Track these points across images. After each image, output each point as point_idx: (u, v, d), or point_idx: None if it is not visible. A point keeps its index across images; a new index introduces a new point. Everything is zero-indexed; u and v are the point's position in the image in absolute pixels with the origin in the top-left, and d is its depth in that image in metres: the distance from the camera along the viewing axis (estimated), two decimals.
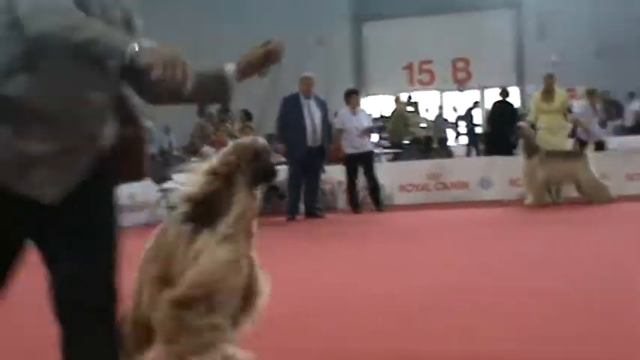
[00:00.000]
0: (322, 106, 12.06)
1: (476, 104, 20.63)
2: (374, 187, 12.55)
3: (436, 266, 6.84)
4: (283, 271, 6.98)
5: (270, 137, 15.34)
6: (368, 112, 13.79)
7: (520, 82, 24.04)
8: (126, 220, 11.84)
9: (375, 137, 14.17)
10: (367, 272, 6.73)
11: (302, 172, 11.82)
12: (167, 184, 12.52)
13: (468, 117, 19.95)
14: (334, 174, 13.40)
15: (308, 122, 11.81)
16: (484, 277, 6.10)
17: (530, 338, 4.10)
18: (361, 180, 12.68)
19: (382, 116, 17.03)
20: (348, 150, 12.51)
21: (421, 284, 5.90)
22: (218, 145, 13.05)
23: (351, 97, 12.86)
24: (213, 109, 16.06)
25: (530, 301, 5.02)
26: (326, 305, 5.37)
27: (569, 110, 12.59)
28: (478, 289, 5.55)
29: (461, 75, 25.15)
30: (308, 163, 11.81)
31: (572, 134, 12.92)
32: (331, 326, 4.70)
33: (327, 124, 12.14)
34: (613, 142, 15.08)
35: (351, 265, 7.23)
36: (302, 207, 11.98)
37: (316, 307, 5.34)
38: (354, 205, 12.54)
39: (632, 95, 20.66)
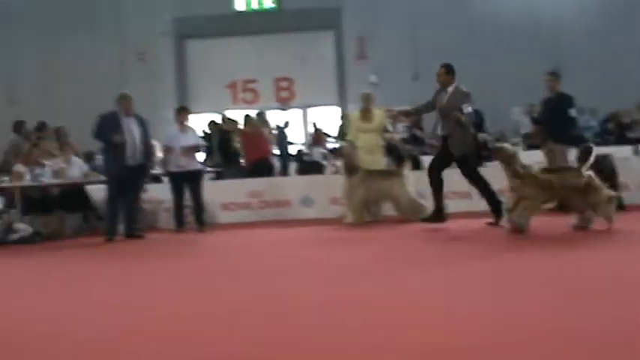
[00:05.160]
0: (142, 123, 11.88)
1: (286, 124, 20.80)
2: (198, 207, 12.47)
3: (256, 284, 6.88)
4: (100, 295, 6.84)
5: (89, 155, 15.00)
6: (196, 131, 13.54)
7: (342, 102, 24.64)
8: None
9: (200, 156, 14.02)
10: (187, 292, 6.67)
11: (121, 191, 11.58)
12: None
13: (279, 136, 19.76)
14: (156, 193, 13.24)
15: (128, 140, 11.59)
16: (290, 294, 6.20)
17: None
18: (185, 198, 12.57)
19: (205, 134, 16.92)
20: (173, 168, 12.39)
21: (237, 302, 5.92)
22: (33, 163, 12.60)
23: (180, 114, 12.75)
24: (31, 126, 15.50)
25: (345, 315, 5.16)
26: (144, 329, 5.29)
27: (387, 130, 12.98)
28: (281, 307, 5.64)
29: (284, 94, 25.51)
30: (128, 181, 11.58)
31: (389, 152, 13.30)
32: (151, 351, 4.63)
33: (147, 142, 11.97)
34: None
35: (170, 286, 7.14)
36: (122, 227, 11.72)
37: (133, 331, 5.25)
38: (179, 225, 12.40)
39: None
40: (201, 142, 12.95)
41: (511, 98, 22.10)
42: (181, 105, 14.59)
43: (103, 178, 12.10)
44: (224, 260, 8.96)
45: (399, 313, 5.17)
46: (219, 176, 15.50)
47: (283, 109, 24.52)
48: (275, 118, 21.57)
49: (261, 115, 16.72)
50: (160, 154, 13.94)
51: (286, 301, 5.94)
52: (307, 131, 24.26)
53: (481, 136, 11.51)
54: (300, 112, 25.41)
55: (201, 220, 12.43)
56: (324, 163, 16.84)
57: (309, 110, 25.34)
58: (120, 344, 4.82)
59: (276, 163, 17.69)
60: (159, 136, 13.92)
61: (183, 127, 12.54)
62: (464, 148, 10.61)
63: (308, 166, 16.95)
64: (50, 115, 16.89)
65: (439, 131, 11.09)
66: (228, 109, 22.17)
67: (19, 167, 12.60)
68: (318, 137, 19.60)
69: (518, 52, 23.81)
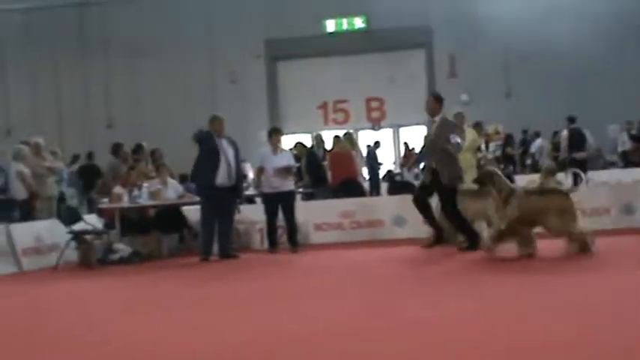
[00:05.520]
0: (233, 145, 12.05)
1: (376, 144, 20.74)
2: (291, 228, 12.53)
3: (352, 306, 6.87)
4: (191, 315, 6.93)
5: (184, 177, 15.27)
6: (289, 152, 13.64)
7: None
8: (32, 262, 11.70)
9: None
10: (281, 314, 6.70)
11: (215, 212, 11.75)
12: (77, 226, 12.28)
13: (369, 156, 19.66)
14: (249, 213, 13.37)
15: (222, 161, 11.76)
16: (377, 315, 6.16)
17: None
18: (278, 219, 12.64)
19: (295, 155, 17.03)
20: (267, 189, 12.48)
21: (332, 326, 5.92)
22: (130, 184, 12.90)
23: (273, 135, 12.85)
24: (127, 148, 15.87)
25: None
26: (229, 350, 5.34)
27: (479, 149, 12.83)
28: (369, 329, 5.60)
29: (375, 114, 25.52)
30: (221, 202, 11.74)
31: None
32: None
33: (238, 163, 12.13)
34: (521, 180, 15.43)
35: (263, 307, 7.19)
36: (216, 247, 11.87)
37: (219, 351, 5.30)
38: (272, 245, 12.48)
39: (537, 134, 21.29)
40: (294, 163, 13.00)
41: (607, 115, 21.60)
42: (274, 126, 14.72)
43: (197, 199, 12.29)
44: (317, 281, 8.97)
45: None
46: (309, 197, 15.57)
47: (375, 129, 24.54)
48: (366, 138, 21.61)
49: (349, 135, 16.75)
50: (252, 175, 14.10)
51: (379, 319, 5.91)
52: (398, 151, 24.21)
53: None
54: (391, 131, 25.39)
55: (294, 240, 12.48)
56: (416, 182, 16.73)
57: (401, 130, 25.30)
58: None
59: (366, 184, 17.67)
60: (251, 157, 14.07)
61: (276, 149, 12.63)
62: (454, 179, 10.65)
63: (399, 186, 16.87)
64: (145, 137, 17.30)
65: (428, 163, 11.07)
66: (321, 130, 22.30)
67: (118, 189, 12.92)
68: (409, 157, 19.51)
69: (613, 67, 23.25)
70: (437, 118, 10.78)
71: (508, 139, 19.41)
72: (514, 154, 20.80)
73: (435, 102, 10.88)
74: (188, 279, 10.10)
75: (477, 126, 14.57)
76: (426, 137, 11.07)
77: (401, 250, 11.44)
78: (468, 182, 12.08)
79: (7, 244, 11.91)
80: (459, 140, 10.72)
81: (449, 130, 10.63)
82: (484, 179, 9.89)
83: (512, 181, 14.01)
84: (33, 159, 14.24)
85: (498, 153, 17.82)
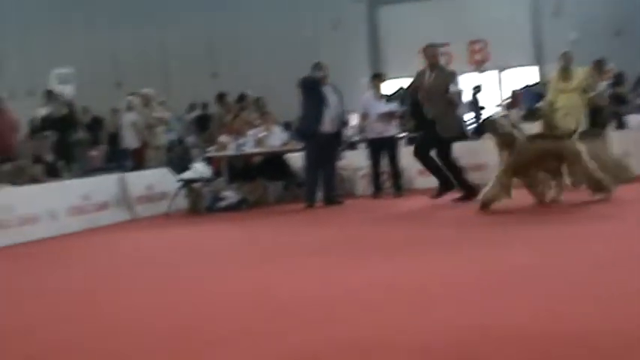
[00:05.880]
0: (337, 92, 12.07)
1: (477, 88, 20.33)
2: (395, 173, 12.56)
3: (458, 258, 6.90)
4: (302, 261, 7.08)
5: (287, 125, 15.43)
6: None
7: (539, 62, 23.90)
8: (145, 210, 12.10)
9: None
10: (389, 260, 6.77)
11: (319, 159, 11.85)
12: (186, 174, 12.61)
13: (473, 101, 19.38)
14: (352, 160, 13.43)
15: (327, 108, 11.81)
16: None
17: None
18: (382, 164, 12.68)
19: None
20: (370, 135, 12.53)
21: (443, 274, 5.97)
22: (235, 133, 13.14)
23: (375, 81, 12.88)
24: (232, 98, 16.11)
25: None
26: (344, 295, 5.44)
27: (585, 90, 12.45)
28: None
29: (478, 57, 25.04)
30: (325, 149, 11.83)
31: (591, 113, 12.75)
32: (358, 316, 4.76)
33: (342, 110, 12.17)
34: (634, 120, 14.97)
35: (368, 253, 7.27)
36: (320, 194, 12.00)
37: (333, 297, 5.41)
38: (377, 191, 12.55)
39: None
40: (398, 108, 12.94)
41: None
42: (376, 72, 14.67)
43: (301, 146, 12.41)
44: (419, 227, 9.00)
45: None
46: (413, 142, 15.48)
47: (480, 72, 24.11)
48: (469, 82, 21.27)
49: None
50: (355, 121, 14.10)
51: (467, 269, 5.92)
52: (502, 94, 23.75)
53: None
54: (495, 74, 24.90)
55: (398, 185, 12.51)
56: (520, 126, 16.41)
57: (505, 72, 24.78)
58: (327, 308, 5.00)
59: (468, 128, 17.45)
60: (353, 103, 14.06)
61: (379, 94, 12.61)
62: (455, 130, 10.72)
63: None
64: (249, 86, 17.48)
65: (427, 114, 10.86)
66: None
67: (223, 137, 13.18)
68: (515, 99, 19.14)
69: None
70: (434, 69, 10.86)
71: (618, 78, 18.73)
72: (625, 94, 20.10)
73: (435, 52, 11.05)
74: (294, 225, 10.28)
75: (598, 64, 14.18)
76: (420, 88, 10.99)
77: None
78: (576, 124, 11.78)
79: (122, 193, 12.37)
80: (459, 89, 10.87)
81: (448, 80, 10.63)
82: (484, 129, 9.87)
83: (621, 122, 13.62)
84: (143, 110, 14.67)
85: (609, 92, 17.26)
